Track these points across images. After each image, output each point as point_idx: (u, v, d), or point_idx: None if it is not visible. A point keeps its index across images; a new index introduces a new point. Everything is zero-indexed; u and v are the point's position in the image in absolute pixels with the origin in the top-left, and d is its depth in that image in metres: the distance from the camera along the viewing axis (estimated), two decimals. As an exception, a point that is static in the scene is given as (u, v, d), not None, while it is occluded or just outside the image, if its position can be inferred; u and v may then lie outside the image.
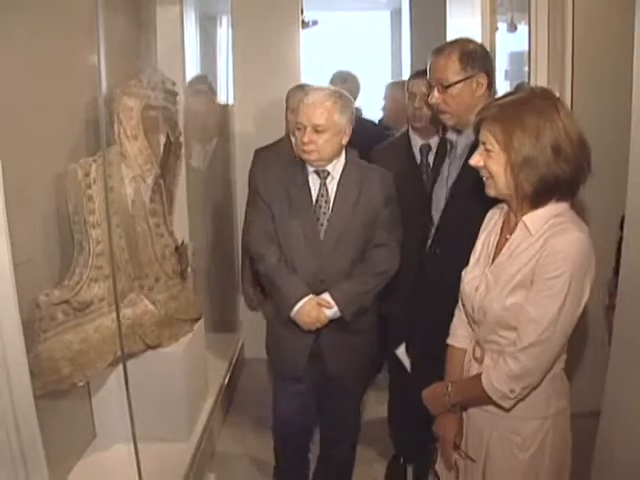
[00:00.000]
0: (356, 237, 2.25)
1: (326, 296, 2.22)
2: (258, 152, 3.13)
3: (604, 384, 2.13)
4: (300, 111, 2.17)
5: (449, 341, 1.84)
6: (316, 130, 2.12)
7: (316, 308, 2.20)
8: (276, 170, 2.36)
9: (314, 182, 2.26)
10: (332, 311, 2.22)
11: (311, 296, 2.22)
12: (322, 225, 2.24)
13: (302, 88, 2.90)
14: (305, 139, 2.14)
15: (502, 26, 3.74)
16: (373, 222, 2.25)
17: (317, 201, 2.25)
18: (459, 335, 1.81)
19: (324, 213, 2.24)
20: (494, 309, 1.59)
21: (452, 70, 2.05)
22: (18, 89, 1.78)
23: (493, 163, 1.58)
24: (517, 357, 1.54)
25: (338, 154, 2.23)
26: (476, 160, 1.62)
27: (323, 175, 2.25)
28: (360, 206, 2.23)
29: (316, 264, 2.23)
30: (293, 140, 2.79)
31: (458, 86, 2.05)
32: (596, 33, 2.67)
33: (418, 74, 2.60)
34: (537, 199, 1.56)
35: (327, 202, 2.24)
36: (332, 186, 2.24)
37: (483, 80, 2.06)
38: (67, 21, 2.14)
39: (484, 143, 1.59)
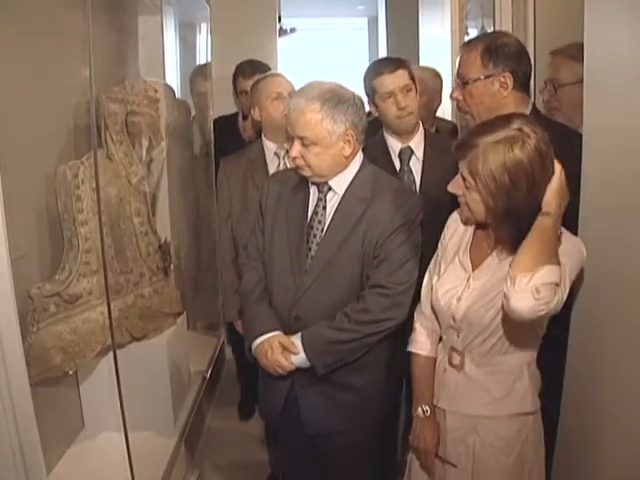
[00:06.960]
0: (348, 271, 1.79)
1: (295, 338, 1.79)
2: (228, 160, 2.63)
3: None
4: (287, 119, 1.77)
5: (412, 349, 1.75)
6: (303, 143, 1.73)
7: (277, 350, 1.79)
8: (282, 175, 2.03)
9: (314, 196, 1.86)
10: (299, 358, 1.78)
11: (276, 334, 1.82)
12: (309, 250, 1.82)
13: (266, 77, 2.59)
14: (292, 153, 1.76)
15: (473, 31, 3.79)
16: (375, 255, 1.78)
17: (311, 220, 1.84)
18: (422, 342, 1.74)
19: (314, 236, 1.82)
20: (486, 319, 1.53)
21: (473, 66, 1.81)
22: (13, 97, 1.82)
23: (472, 200, 1.50)
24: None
25: (342, 166, 1.79)
26: (454, 187, 1.53)
27: (322, 189, 1.83)
28: (359, 232, 1.77)
29: (293, 297, 1.82)
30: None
31: (477, 84, 1.81)
32: (556, 35, 2.66)
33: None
34: (516, 242, 1.46)
35: (320, 223, 1.82)
36: (333, 204, 1.82)
37: (508, 80, 1.79)
38: (56, 30, 2.16)
39: (464, 179, 1.50)
